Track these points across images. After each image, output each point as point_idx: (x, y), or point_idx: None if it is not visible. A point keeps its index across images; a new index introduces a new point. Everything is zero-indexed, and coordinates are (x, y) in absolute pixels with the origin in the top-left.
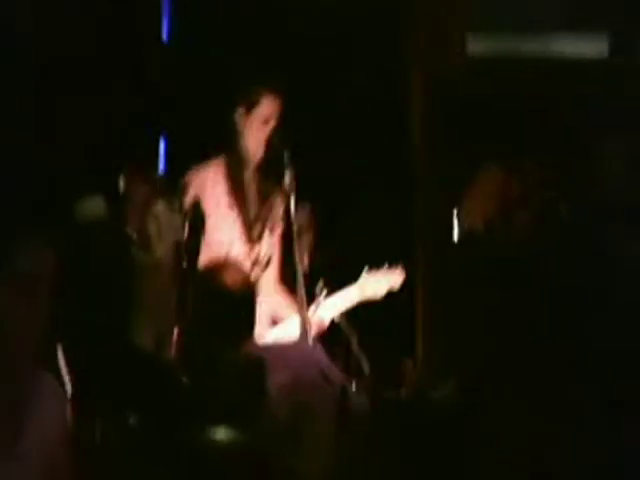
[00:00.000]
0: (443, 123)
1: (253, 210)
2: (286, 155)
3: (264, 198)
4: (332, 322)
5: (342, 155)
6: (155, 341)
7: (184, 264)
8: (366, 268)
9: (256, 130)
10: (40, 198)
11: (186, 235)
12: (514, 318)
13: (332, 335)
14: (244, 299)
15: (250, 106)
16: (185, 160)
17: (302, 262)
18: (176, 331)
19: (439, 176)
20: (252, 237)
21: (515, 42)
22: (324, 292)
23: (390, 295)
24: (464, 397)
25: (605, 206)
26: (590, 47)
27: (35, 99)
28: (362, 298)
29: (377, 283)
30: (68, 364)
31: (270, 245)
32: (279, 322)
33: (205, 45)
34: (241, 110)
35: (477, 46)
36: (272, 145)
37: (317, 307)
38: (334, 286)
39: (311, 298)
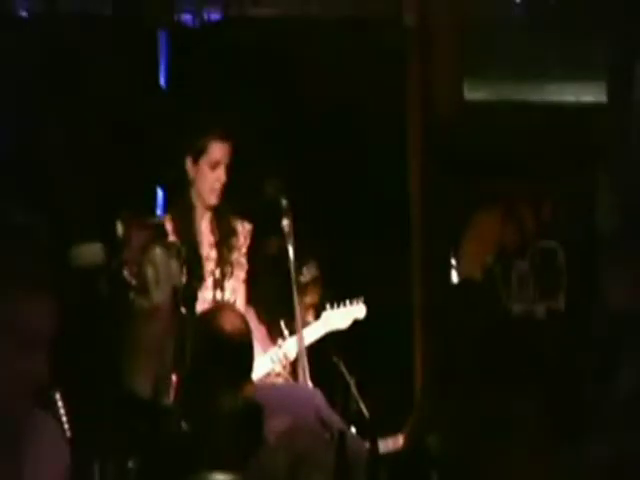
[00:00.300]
0: (440, 168)
1: (212, 255)
2: (283, 203)
3: (222, 242)
4: (332, 366)
5: (338, 201)
6: (153, 386)
7: (182, 309)
8: (327, 305)
9: (206, 176)
10: (39, 245)
11: (184, 280)
12: (506, 372)
13: (331, 379)
14: (242, 343)
15: (197, 154)
16: None
17: (302, 316)
18: (174, 376)
19: (437, 220)
20: (216, 283)
21: (512, 88)
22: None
23: (389, 339)
24: (459, 446)
25: (603, 254)
26: (587, 92)
27: (32, 145)
28: (326, 330)
29: (340, 315)
30: (67, 409)
31: (233, 289)
32: None
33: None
34: (189, 158)
35: (474, 92)
36: (267, 193)
37: (283, 344)
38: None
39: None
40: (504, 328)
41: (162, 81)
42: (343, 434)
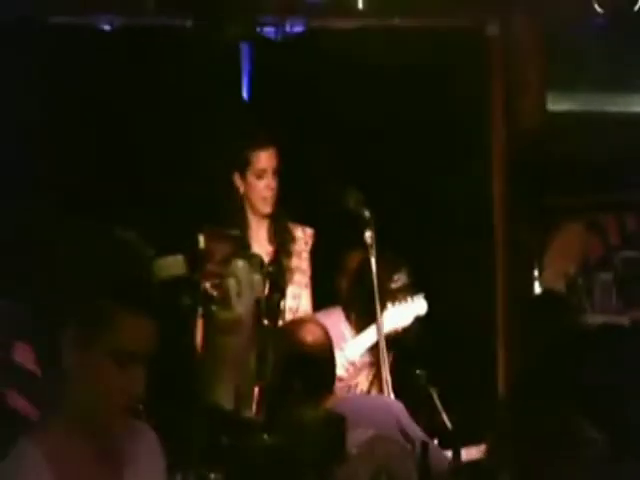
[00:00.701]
0: (524, 179)
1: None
2: (366, 215)
3: (280, 249)
4: (415, 377)
5: (422, 213)
6: (235, 399)
7: (264, 321)
8: (389, 304)
9: (255, 187)
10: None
11: (267, 292)
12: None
13: (414, 390)
14: (324, 355)
15: (243, 167)
16: None
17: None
18: (257, 389)
19: (520, 232)
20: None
21: (595, 99)
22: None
23: (472, 350)
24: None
25: None
26: None
27: (117, 159)
28: (388, 330)
29: (400, 314)
30: (150, 422)
31: (294, 295)
32: None
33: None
34: (236, 173)
35: (558, 104)
36: (349, 205)
37: (345, 347)
38: None
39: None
40: (587, 340)
41: (244, 93)
42: (426, 445)
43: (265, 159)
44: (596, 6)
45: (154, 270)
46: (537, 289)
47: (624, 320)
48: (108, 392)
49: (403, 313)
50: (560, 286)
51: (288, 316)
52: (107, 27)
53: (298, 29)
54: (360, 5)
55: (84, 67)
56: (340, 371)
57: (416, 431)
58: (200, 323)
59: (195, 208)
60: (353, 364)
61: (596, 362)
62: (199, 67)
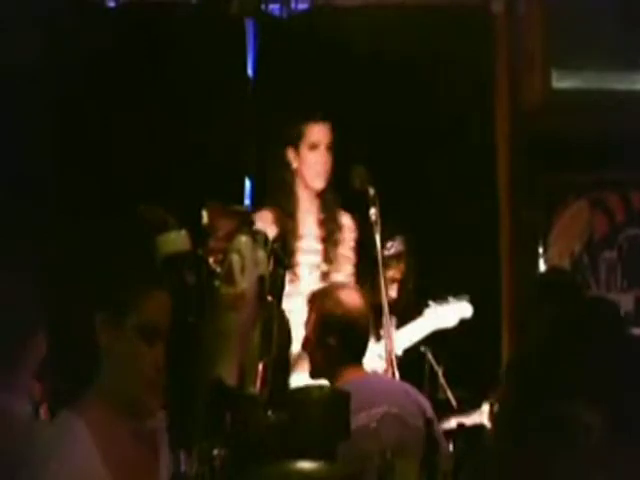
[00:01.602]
0: (528, 157)
1: (319, 248)
2: (371, 192)
3: (328, 235)
4: (420, 355)
5: (425, 188)
6: (239, 375)
7: (269, 298)
8: (430, 301)
9: (307, 160)
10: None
11: (271, 269)
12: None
13: (419, 368)
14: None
15: (296, 140)
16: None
17: (387, 295)
18: (261, 365)
19: (525, 209)
20: (324, 276)
21: (601, 76)
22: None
23: (476, 328)
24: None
25: None
26: None
27: (123, 137)
28: (433, 328)
29: (446, 313)
30: None
31: (347, 274)
32: None
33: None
34: (290, 147)
35: (562, 81)
36: (354, 183)
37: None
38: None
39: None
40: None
41: (250, 70)
42: (431, 422)
43: (319, 132)
44: None
45: (157, 245)
46: (542, 267)
47: (629, 298)
48: (139, 368)
49: (447, 313)
50: (565, 264)
51: None
52: (112, 3)
53: (303, 6)
54: None
55: (90, 43)
56: (382, 363)
57: (426, 408)
58: (204, 299)
59: (200, 183)
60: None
61: (598, 343)
62: (204, 43)
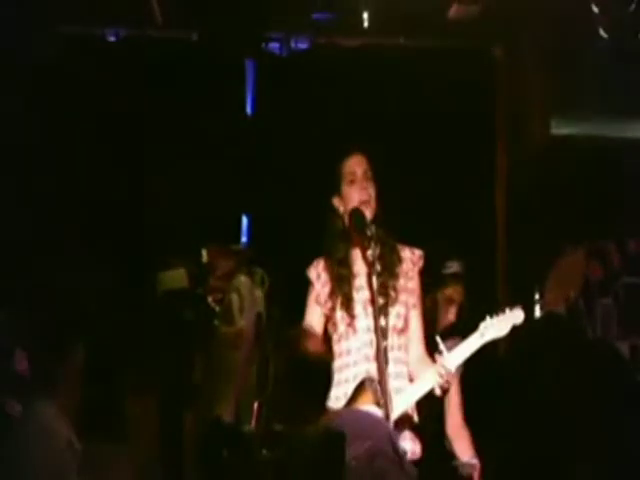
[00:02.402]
0: (527, 202)
1: (371, 283)
2: (368, 233)
3: (383, 269)
4: None
5: (426, 230)
6: (235, 412)
7: (265, 336)
8: (487, 316)
9: (350, 197)
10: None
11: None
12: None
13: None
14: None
15: (338, 182)
16: (267, 234)
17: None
18: (256, 403)
19: (522, 257)
20: (379, 310)
21: (599, 123)
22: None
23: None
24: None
25: None
26: None
27: (121, 174)
28: (485, 340)
29: (498, 324)
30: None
31: (398, 314)
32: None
33: (286, 120)
34: (335, 195)
35: (561, 128)
36: (352, 220)
37: (440, 359)
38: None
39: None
40: (587, 363)
41: (249, 109)
42: (404, 455)
43: (353, 163)
44: (601, 31)
45: (157, 283)
46: (538, 312)
47: (624, 346)
48: None
49: (501, 323)
50: (561, 311)
51: (392, 335)
52: (112, 38)
53: (303, 46)
54: (365, 23)
55: (91, 77)
56: (435, 384)
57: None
58: (202, 337)
59: (199, 222)
60: (450, 375)
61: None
62: (203, 81)
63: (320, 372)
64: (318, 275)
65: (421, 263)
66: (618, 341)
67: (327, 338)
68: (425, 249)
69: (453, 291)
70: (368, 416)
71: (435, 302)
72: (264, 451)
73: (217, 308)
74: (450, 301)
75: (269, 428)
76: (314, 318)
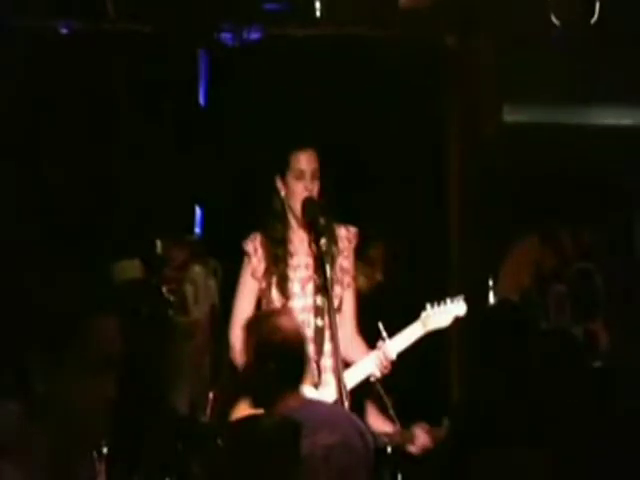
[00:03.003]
0: (480, 189)
1: (311, 262)
2: (321, 222)
3: (319, 251)
4: (369, 386)
5: (378, 219)
6: (191, 403)
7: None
8: (428, 305)
9: (295, 189)
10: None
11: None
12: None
13: (367, 397)
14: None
15: (283, 169)
16: (220, 224)
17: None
18: (211, 393)
19: (475, 244)
20: (317, 289)
21: (552, 110)
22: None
23: (425, 359)
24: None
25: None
26: (627, 115)
27: (74, 166)
28: (427, 330)
29: (440, 314)
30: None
31: (337, 294)
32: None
33: (239, 111)
34: (278, 177)
35: (513, 115)
36: (307, 214)
37: (382, 346)
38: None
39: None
40: (540, 350)
41: (202, 99)
42: (370, 449)
43: (304, 160)
44: (553, 18)
45: (112, 274)
46: (491, 300)
47: (577, 331)
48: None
49: (443, 314)
50: (514, 297)
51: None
52: (65, 31)
53: (256, 36)
54: (318, 13)
55: (43, 70)
56: (377, 371)
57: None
58: (157, 327)
59: (153, 214)
60: (391, 362)
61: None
62: (156, 72)
63: (297, 347)
64: (255, 249)
65: (356, 241)
66: (572, 326)
67: None
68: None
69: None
70: (339, 408)
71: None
72: (219, 441)
73: (172, 298)
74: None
75: (224, 418)
76: (248, 292)
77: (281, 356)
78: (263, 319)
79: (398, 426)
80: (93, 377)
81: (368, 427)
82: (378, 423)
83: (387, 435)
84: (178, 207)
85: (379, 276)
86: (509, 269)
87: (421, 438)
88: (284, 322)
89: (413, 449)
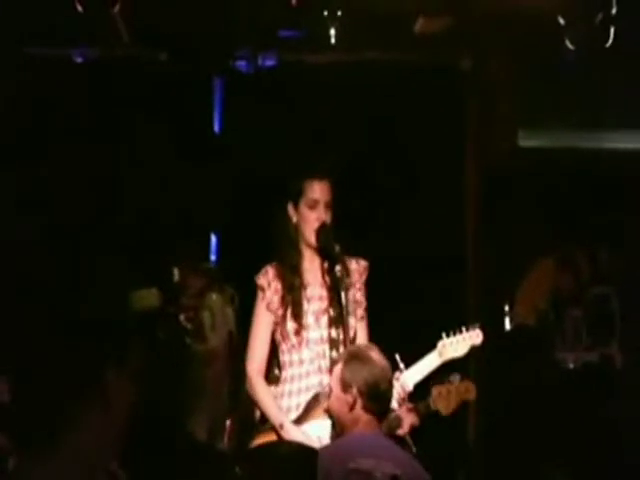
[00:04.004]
0: (496, 214)
1: (324, 294)
2: (336, 249)
3: (334, 281)
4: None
5: (393, 247)
6: (209, 430)
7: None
8: (444, 334)
9: (307, 217)
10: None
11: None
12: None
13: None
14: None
15: (296, 197)
16: (236, 252)
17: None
18: (229, 420)
19: (492, 266)
20: (331, 321)
21: (567, 135)
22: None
23: None
24: None
25: None
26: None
27: (90, 195)
28: (443, 360)
29: (456, 344)
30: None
31: (350, 326)
32: None
33: (253, 139)
34: (290, 203)
35: (528, 140)
36: (320, 240)
37: (399, 377)
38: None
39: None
40: (556, 376)
41: (216, 126)
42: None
43: (319, 190)
44: (568, 43)
45: (129, 303)
46: (508, 325)
47: (594, 356)
48: None
49: (459, 343)
50: (531, 321)
51: (343, 346)
52: (80, 59)
53: (271, 63)
54: (333, 40)
55: (58, 98)
56: (394, 402)
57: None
58: (174, 355)
59: (169, 242)
60: (408, 393)
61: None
62: (171, 99)
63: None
64: (269, 283)
65: (366, 274)
66: (588, 351)
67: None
68: (395, 265)
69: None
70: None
71: None
72: (237, 468)
73: (189, 326)
74: None
75: (242, 445)
76: (263, 326)
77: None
78: (355, 353)
79: None
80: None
81: None
82: None
83: None
84: (194, 235)
85: None
86: (526, 294)
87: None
88: (374, 356)
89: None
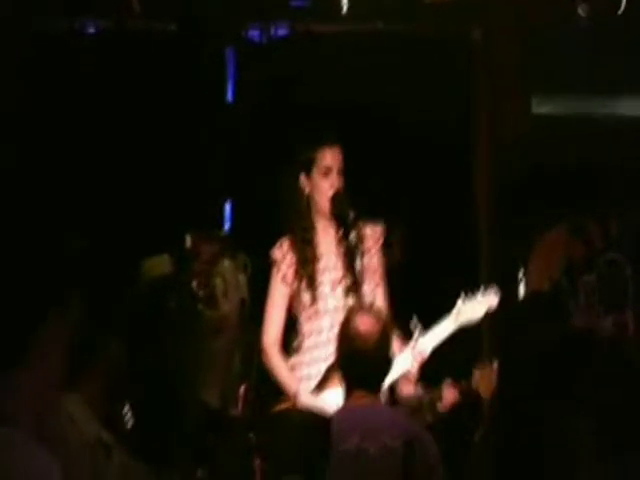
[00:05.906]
0: (508, 182)
1: (339, 264)
2: (351, 216)
3: (350, 248)
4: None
5: (408, 215)
6: (221, 397)
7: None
8: (462, 295)
9: (320, 185)
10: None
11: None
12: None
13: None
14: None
15: (309, 166)
16: (249, 219)
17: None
18: (242, 387)
19: (505, 235)
20: (348, 289)
21: (580, 102)
22: (418, 327)
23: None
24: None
25: None
26: None
27: (104, 164)
28: (459, 324)
29: (472, 308)
30: (136, 420)
31: (367, 293)
32: None
33: (266, 107)
34: (302, 173)
35: (542, 107)
36: (335, 207)
37: (416, 342)
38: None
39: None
40: (570, 341)
41: (229, 96)
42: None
43: (330, 157)
44: (579, 10)
45: (141, 270)
46: (522, 291)
47: (607, 322)
48: None
49: (475, 307)
50: (545, 288)
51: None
52: (92, 30)
53: (282, 33)
54: (344, 10)
55: (69, 70)
56: (413, 366)
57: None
58: (186, 322)
59: (182, 208)
60: (424, 358)
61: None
62: (184, 70)
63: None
64: (284, 256)
65: (382, 239)
66: (601, 317)
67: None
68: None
69: None
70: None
71: None
72: (251, 435)
73: (201, 293)
74: None
75: (255, 412)
76: (278, 298)
77: (347, 357)
78: (346, 315)
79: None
80: None
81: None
82: (409, 387)
83: (417, 397)
84: (207, 202)
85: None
86: (539, 262)
87: (449, 395)
88: (358, 321)
89: (441, 407)
